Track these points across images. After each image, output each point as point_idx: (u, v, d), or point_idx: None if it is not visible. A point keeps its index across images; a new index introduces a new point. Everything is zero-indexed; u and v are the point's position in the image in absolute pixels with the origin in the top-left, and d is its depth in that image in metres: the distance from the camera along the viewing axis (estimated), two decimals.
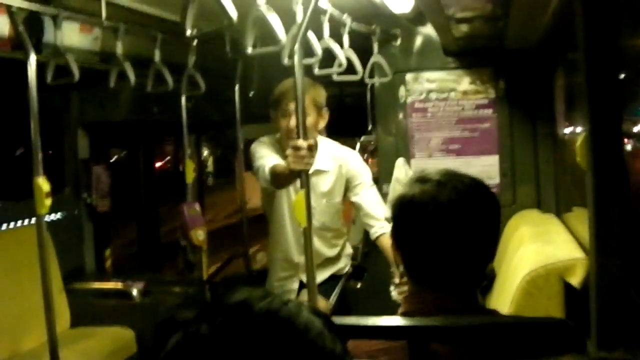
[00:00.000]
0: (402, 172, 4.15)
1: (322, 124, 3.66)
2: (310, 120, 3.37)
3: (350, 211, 5.00)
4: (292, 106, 3.29)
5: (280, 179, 3.34)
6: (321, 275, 3.73)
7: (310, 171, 3.25)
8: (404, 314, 1.61)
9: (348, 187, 3.81)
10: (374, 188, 3.85)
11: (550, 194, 4.33)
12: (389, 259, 3.74)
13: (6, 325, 3.57)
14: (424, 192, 1.58)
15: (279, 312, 0.96)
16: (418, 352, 1.29)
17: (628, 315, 2.03)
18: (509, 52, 4.25)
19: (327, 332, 0.97)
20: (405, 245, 1.63)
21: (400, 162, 4.17)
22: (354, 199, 3.79)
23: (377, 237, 3.75)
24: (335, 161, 3.76)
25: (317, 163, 3.24)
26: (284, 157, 3.41)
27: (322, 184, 3.73)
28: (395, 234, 1.65)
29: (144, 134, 5.68)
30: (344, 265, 4.03)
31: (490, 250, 1.62)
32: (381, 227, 3.71)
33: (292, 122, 3.34)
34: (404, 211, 1.62)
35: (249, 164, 3.93)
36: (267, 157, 3.50)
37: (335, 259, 3.95)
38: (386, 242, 3.69)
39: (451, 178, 1.61)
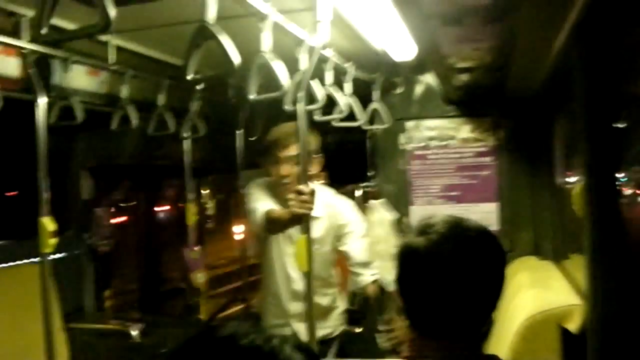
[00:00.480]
0: (378, 215, 4.19)
1: (314, 170, 3.60)
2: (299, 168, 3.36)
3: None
4: (282, 155, 3.41)
5: (275, 224, 3.34)
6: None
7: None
8: (407, 358, 1.62)
9: (338, 236, 3.78)
10: (364, 239, 3.83)
11: (548, 241, 4.34)
12: (381, 305, 3.77)
13: None
14: (428, 244, 1.58)
15: (262, 347, 1.00)
16: None
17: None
18: (509, 100, 4.30)
19: None
20: (408, 295, 1.63)
21: (376, 203, 4.22)
22: (342, 247, 3.77)
23: (367, 285, 3.74)
24: (328, 209, 3.73)
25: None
26: (278, 202, 3.49)
27: (313, 230, 3.53)
28: (399, 283, 1.65)
29: (146, 178, 5.71)
30: (334, 326, 3.88)
31: (493, 300, 1.61)
32: (372, 275, 3.74)
33: (283, 170, 3.44)
34: (408, 261, 1.63)
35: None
36: (261, 201, 3.49)
37: (327, 312, 3.80)
38: (375, 290, 3.73)
39: (456, 229, 1.61)
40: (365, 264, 3.75)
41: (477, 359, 1.62)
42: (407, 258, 1.63)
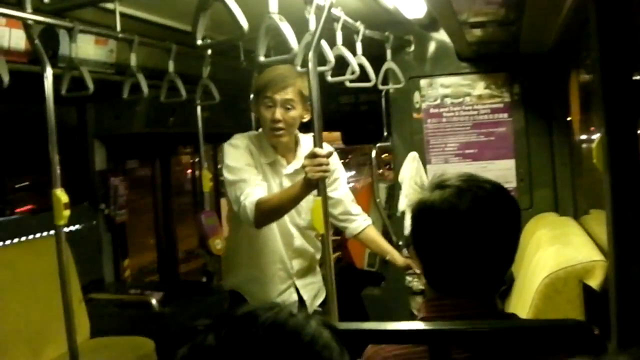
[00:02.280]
0: (413, 169, 4.15)
1: (308, 116, 3.21)
2: (295, 113, 3.16)
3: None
4: (277, 97, 3.12)
5: (271, 214, 3.08)
6: (312, 283, 3.47)
7: (295, 168, 3.20)
8: (423, 319, 1.60)
9: (329, 182, 3.35)
10: (343, 174, 3.63)
11: (567, 197, 4.31)
12: (377, 249, 3.68)
13: (27, 336, 3.60)
14: (444, 199, 1.57)
15: (285, 323, 0.96)
16: (439, 356, 1.28)
17: None
18: (523, 56, 4.25)
19: (334, 344, 0.97)
20: (425, 252, 1.62)
21: (411, 156, 4.16)
22: (332, 194, 3.43)
23: (362, 231, 3.57)
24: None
25: (301, 159, 3.10)
26: (268, 158, 3.26)
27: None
28: (414, 240, 1.64)
29: (160, 146, 5.70)
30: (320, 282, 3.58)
31: (509, 256, 1.61)
32: (364, 220, 3.58)
33: (277, 114, 3.13)
34: (423, 218, 1.62)
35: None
36: (247, 182, 3.12)
37: (318, 265, 3.56)
38: (372, 234, 3.60)
39: (471, 184, 1.59)
40: (357, 210, 3.59)
41: (495, 317, 1.59)
42: (422, 214, 1.62)
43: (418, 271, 3.17)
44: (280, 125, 3.16)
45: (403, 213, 3.84)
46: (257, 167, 3.23)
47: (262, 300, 3.36)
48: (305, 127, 3.24)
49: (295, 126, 3.23)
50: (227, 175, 3.19)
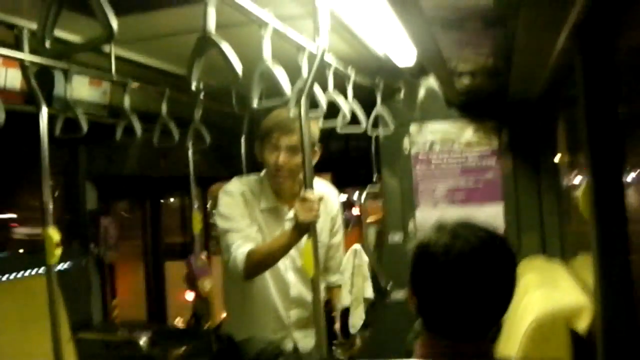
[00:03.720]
0: (354, 266, 3.85)
1: (313, 161, 3.08)
2: (300, 158, 2.89)
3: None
4: (282, 142, 3.06)
5: (261, 264, 3.01)
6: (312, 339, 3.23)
7: None
8: (420, 357, 1.62)
9: (332, 230, 3.43)
10: (341, 233, 3.54)
11: (555, 241, 4.35)
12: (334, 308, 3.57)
13: None
14: (438, 242, 1.60)
15: None
16: None
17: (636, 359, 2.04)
18: (512, 103, 4.31)
19: None
20: (422, 295, 1.64)
21: (353, 248, 3.83)
22: (333, 240, 3.44)
23: (334, 287, 3.52)
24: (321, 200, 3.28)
25: None
26: (268, 204, 3.22)
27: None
28: (412, 282, 1.66)
29: (151, 188, 5.72)
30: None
31: (507, 301, 1.63)
32: (340, 279, 3.54)
33: (281, 158, 3.06)
34: (424, 263, 1.64)
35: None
36: (239, 232, 3.08)
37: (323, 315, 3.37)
38: (333, 295, 3.55)
39: (466, 230, 1.62)
40: (339, 267, 3.53)
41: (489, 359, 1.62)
42: (423, 259, 1.64)
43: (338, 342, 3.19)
44: (284, 170, 3.11)
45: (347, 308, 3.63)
46: (253, 215, 3.18)
47: (252, 350, 3.24)
48: (319, 170, 3.24)
49: (300, 172, 3.05)
50: (219, 222, 3.16)
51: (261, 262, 3.00)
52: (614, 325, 2.07)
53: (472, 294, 1.57)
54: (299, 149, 2.96)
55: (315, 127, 3.18)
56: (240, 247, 3.02)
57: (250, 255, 2.98)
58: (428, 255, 1.61)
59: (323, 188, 3.40)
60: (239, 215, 3.14)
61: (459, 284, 1.57)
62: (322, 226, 3.32)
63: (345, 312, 3.47)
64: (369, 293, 3.47)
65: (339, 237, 3.47)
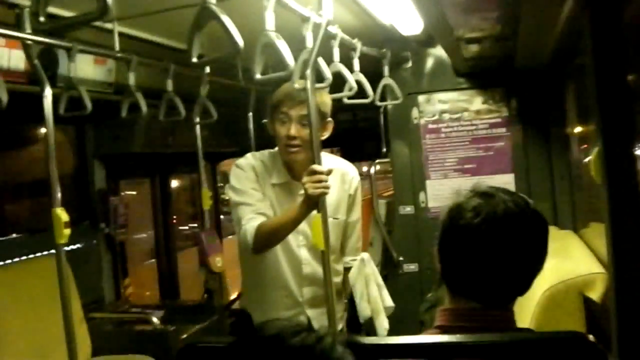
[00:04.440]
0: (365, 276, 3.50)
1: (326, 134, 3.18)
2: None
3: (367, 232, 4.98)
4: (293, 112, 3.02)
5: (270, 237, 3.01)
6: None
7: None
8: (438, 327, 1.62)
9: (349, 206, 3.37)
10: (359, 214, 3.48)
11: (567, 211, 4.32)
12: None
13: (28, 356, 3.58)
14: (469, 203, 1.61)
15: (313, 347, 0.96)
16: None
17: None
18: (520, 71, 4.27)
19: None
20: (449, 255, 1.65)
21: (364, 257, 3.52)
22: (349, 218, 3.40)
23: (348, 268, 3.44)
24: (338, 176, 3.27)
25: None
26: (280, 179, 3.19)
27: (326, 199, 2.94)
28: (440, 242, 1.67)
29: (159, 165, 5.71)
30: (341, 311, 3.44)
31: (534, 268, 1.63)
32: (352, 262, 3.44)
33: (293, 130, 3.02)
34: (450, 220, 1.64)
35: None
36: (251, 205, 3.08)
37: (339, 293, 3.39)
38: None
39: (498, 193, 1.63)
40: (355, 248, 3.47)
41: (512, 329, 1.62)
42: (453, 221, 1.64)
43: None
44: (296, 142, 3.06)
45: (370, 319, 3.43)
46: (264, 190, 3.17)
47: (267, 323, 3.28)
48: (328, 145, 3.23)
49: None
50: (231, 195, 3.17)
51: (270, 235, 3.00)
52: (628, 292, 2.04)
53: (500, 257, 1.57)
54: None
55: (327, 98, 3.17)
56: (251, 221, 3.01)
57: (259, 228, 2.98)
58: (458, 216, 1.61)
59: (341, 165, 3.39)
60: (251, 188, 3.13)
61: (487, 246, 1.57)
62: (339, 203, 3.31)
63: (353, 316, 3.43)
64: (388, 302, 3.38)
65: (355, 215, 3.42)
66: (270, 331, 0.99)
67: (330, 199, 3.14)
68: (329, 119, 3.18)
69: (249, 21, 2.11)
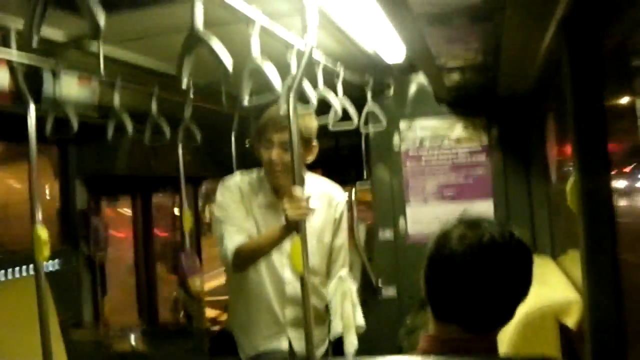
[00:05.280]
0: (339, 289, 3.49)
1: (310, 158, 3.25)
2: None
3: None
4: (275, 138, 3.08)
5: (249, 257, 3.09)
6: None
7: None
8: (421, 351, 1.64)
9: (335, 231, 3.40)
10: (345, 235, 3.53)
11: (545, 237, 4.36)
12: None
13: None
14: (455, 231, 1.65)
15: None
16: None
17: (622, 354, 2.05)
18: (501, 99, 4.32)
19: None
20: (434, 280, 1.66)
21: (341, 275, 3.50)
22: (334, 242, 3.41)
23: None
24: (324, 199, 3.35)
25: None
26: (266, 199, 3.23)
27: (311, 222, 3.13)
28: (426, 267, 1.68)
29: (141, 186, 5.71)
30: (324, 337, 3.43)
31: (519, 295, 1.66)
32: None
33: (274, 155, 3.08)
34: (437, 246, 1.67)
35: None
36: (233, 224, 3.14)
37: (321, 318, 3.39)
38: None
39: (483, 223, 1.66)
40: (338, 272, 3.45)
41: (494, 355, 1.66)
42: (439, 247, 1.66)
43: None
44: (278, 167, 3.12)
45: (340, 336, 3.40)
46: (249, 209, 3.21)
47: (249, 344, 3.33)
48: (310, 167, 3.29)
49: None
50: (215, 211, 3.24)
51: (249, 255, 3.07)
52: (602, 320, 2.08)
53: (485, 285, 1.59)
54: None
55: (311, 122, 3.22)
56: (232, 240, 3.07)
57: (240, 249, 3.04)
58: (444, 244, 1.64)
59: (328, 188, 3.44)
60: (234, 207, 3.18)
61: (471, 274, 1.59)
62: (324, 226, 3.35)
63: (339, 341, 3.43)
64: (360, 320, 3.37)
65: (341, 239, 3.44)
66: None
67: (316, 223, 3.26)
68: (314, 142, 3.24)
69: (233, 47, 2.13)
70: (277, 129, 3.07)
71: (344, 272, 3.43)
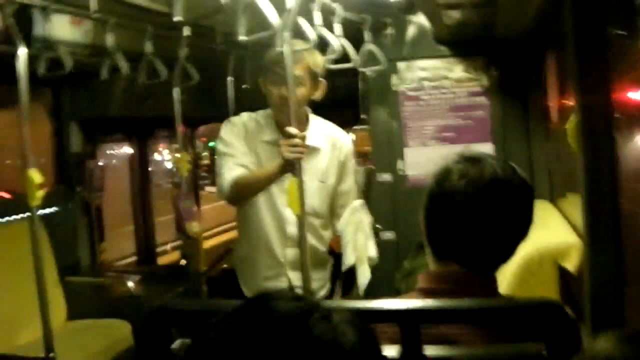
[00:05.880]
0: (356, 222, 3.50)
1: (318, 94, 3.24)
2: (303, 89, 3.10)
3: None
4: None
5: (245, 193, 3.12)
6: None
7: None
8: (419, 289, 1.61)
9: (340, 174, 3.38)
10: (352, 175, 3.53)
11: (544, 181, 4.33)
12: None
13: (2, 320, 3.57)
14: (456, 167, 1.61)
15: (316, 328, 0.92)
16: (409, 334, 1.28)
17: (621, 298, 2.04)
18: (501, 40, 4.26)
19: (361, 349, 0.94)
20: (435, 218, 1.63)
21: (355, 205, 3.64)
22: (341, 186, 3.42)
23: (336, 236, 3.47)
24: (329, 140, 3.36)
25: (310, 139, 3.08)
26: (272, 135, 3.21)
27: (315, 162, 3.26)
28: (426, 206, 1.65)
29: (137, 128, 5.67)
30: (324, 280, 3.48)
31: (520, 234, 1.63)
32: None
33: (284, 89, 2.92)
34: (437, 184, 1.63)
35: None
36: (234, 157, 3.15)
37: (323, 262, 3.44)
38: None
39: (484, 158, 1.63)
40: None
41: (494, 295, 1.63)
42: (439, 185, 1.63)
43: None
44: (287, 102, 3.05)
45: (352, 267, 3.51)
46: (253, 146, 3.21)
47: (249, 284, 3.38)
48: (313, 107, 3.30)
49: (304, 103, 3.17)
50: (218, 145, 3.25)
51: (245, 188, 3.10)
52: (602, 263, 2.06)
53: (486, 221, 1.56)
54: (302, 80, 3.07)
55: (318, 59, 3.21)
56: (230, 171, 3.08)
57: (236, 180, 3.06)
58: (445, 180, 1.61)
59: (333, 131, 3.43)
60: (237, 142, 3.19)
61: (472, 209, 1.56)
62: (328, 168, 3.34)
63: (350, 272, 3.42)
64: (372, 252, 3.38)
65: (348, 184, 3.44)
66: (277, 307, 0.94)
67: (320, 164, 3.28)
68: (322, 79, 3.23)
69: None
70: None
71: (357, 202, 3.42)
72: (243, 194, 3.14)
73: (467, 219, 1.56)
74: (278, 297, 0.96)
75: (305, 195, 2.90)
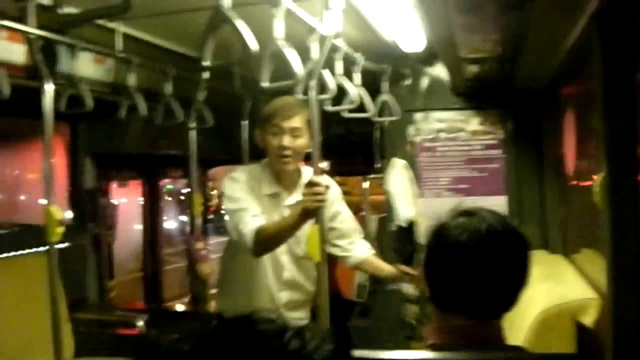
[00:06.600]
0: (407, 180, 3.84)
1: (310, 145, 3.17)
2: (302, 141, 3.16)
3: None
4: (285, 124, 3.13)
5: (270, 242, 3.08)
6: (299, 319, 3.38)
7: (297, 199, 3.12)
8: (432, 346, 1.62)
9: (330, 225, 3.40)
10: (346, 207, 3.59)
11: (557, 235, 4.32)
12: (376, 271, 3.57)
13: (11, 354, 3.54)
14: (455, 220, 1.64)
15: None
16: None
17: None
18: (518, 92, 4.28)
19: None
20: (435, 271, 1.65)
21: (400, 164, 3.78)
22: (340, 225, 3.49)
23: (365, 259, 3.53)
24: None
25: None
26: (271, 189, 3.27)
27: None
28: (426, 259, 1.67)
29: (150, 167, 5.68)
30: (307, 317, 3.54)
31: (518, 284, 1.64)
32: (369, 249, 3.56)
33: (285, 141, 3.13)
34: (436, 236, 1.65)
35: None
36: (247, 211, 3.13)
37: (311, 299, 3.48)
38: (373, 259, 3.54)
39: (482, 212, 1.66)
40: (361, 240, 3.57)
41: (502, 348, 1.63)
42: (439, 237, 1.65)
43: (415, 273, 3.24)
44: (288, 152, 3.17)
45: (411, 223, 3.56)
46: (257, 199, 3.22)
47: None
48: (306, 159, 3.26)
49: (302, 155, 3.22)
50: (227, 204, 3.22)
51: (269, 240, 3.07)
52: (625, 320, 2.04)
53: (486, 271, 1.58)
54: (300, 132, 3.14)
55: (308, 111, 3.20)
56: (250, 224, 3.06)
57: (258, 232, 3.03)
58: (444, 235, 1.63)
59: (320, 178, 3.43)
60: (245, 196, 3.19)
61: (474, 261, 1.58)
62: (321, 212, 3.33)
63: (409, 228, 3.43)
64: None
65: (342, 217, 3.50)
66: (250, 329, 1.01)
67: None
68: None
69: (254, 29, 2.09)
70: (286, 116, 3.15)
71: (400, 162, 3.55)
72: (268, 245, 3.11)
73: (470, 270, 1.59)
74: (256, 319, 1.05)
75: (301, 238, 3.06)
